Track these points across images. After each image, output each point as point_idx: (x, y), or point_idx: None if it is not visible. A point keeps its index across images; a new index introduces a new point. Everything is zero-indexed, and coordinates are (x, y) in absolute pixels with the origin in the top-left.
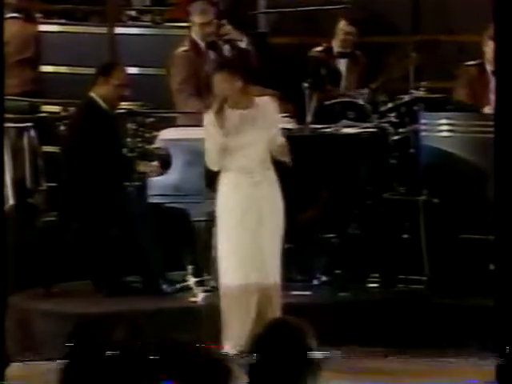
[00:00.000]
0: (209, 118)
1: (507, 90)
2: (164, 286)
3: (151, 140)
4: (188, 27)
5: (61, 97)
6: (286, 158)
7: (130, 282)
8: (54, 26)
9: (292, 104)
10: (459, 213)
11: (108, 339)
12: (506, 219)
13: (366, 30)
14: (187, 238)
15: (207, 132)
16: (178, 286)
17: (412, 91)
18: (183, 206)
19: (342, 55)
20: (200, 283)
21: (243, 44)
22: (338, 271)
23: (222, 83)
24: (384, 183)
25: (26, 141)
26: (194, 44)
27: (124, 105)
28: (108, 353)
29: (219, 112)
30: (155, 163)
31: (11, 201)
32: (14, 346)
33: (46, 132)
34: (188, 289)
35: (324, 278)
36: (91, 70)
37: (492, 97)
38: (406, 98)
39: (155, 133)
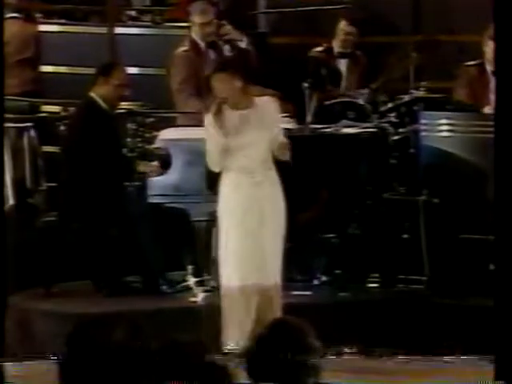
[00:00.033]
0: (209, 119)
1: (507, 90)
2: (164, 286)
3: (151, 140)
4: (188, 27)
5: (61, 97)
6: (287, 158)
7: (129, 282)
8: (53, 25)
9: (292, 104)
10: (459, 213)
11: (108, 339)
12: (506, 219)
13: (366, 30)
14: (187, 238)
15: (208, 133)
16: (178, 286)
17: (412, 91)
18: (183, 206)
19: (342, 55)
20: (200, 283)
21: (243, 44)
22: (337, 271)
23: (221, 84)
24: (384, 183)
25: (26, 141)
26: (193, 44)
27: (124, 105)
28: (108, 353)
29: (218, 113)
30: (155, 163)
31: (11, 201)
32: (14, 346)
33: (46, 132)
34: (188, 289)
35: (324, 278)
36: (91, 70)
37: (492, 97)
38: (406, 98)
39: (155, 133)
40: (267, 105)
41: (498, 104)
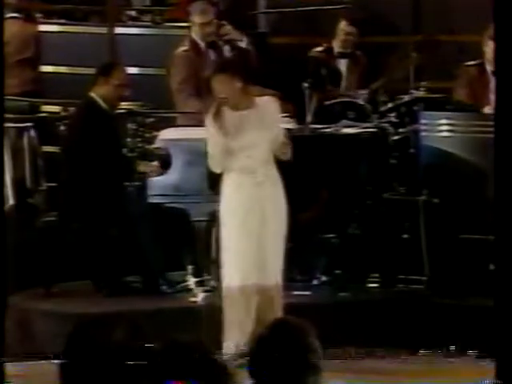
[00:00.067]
0: (210, 120)
1: (507, 90)
2: (164, 286)
3: (151, 140)
4: (188, 27)
5: (61, 97)
6: (288, 158)
7: (129, 282)
8: (53, 25)
9: (292, 104)
10: (459, 213)
11: (108, 339)
12: (506, 219)
13: (366, 30)
14: (187, 238)
15: (209, 134)
16: (178, 286)
17: (412, 91)
18: (183, 206)
19: (342, 55)
20: (200, 283)
21: (243, 44)
22: (337, 271)
23: (221, 85)
24: (384, 183)
25: (26, 141)
26: (194, 44)
27: (124, 105)
28: (108, 353)
29: (217, 115)
30: (155, 163)
31: (11, 201)
32: (14, 346)
33: (46, 132)
34: (188, 289)
35: (324, 278)
36: (91, 70)
37: (492, 97)
38: (406, 98)
39: (155, 133)
40: (268, 105)
41: (498, 104)
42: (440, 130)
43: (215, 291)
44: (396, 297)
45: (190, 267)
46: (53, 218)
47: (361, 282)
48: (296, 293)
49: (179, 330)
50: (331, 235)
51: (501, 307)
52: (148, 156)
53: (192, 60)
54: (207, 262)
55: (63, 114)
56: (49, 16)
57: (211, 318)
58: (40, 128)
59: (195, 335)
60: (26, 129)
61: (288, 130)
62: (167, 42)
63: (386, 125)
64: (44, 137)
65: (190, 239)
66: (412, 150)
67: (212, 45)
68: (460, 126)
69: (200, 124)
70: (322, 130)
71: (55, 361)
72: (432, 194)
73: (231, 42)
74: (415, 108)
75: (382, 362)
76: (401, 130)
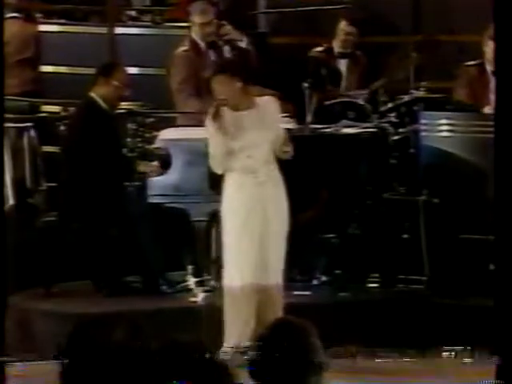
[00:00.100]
0: (210, 121)
1: (507, 90)
2: (164, 286)
3: (151, 140)
4: (188, 27)
5: (61, 97)
6: (289, 157)
7: (129, 282)
8: (53, 25)
9: (292, 104)
10: (459, 213)
11: (108, 339)
12: (506, 219)
13: (366, 30)
14: (187, 238)
15: (210, 135)
16: (178, 286)
17: (412, 91)
18: (183, 206)
19: (342, 55)
20: (200, 283)
21: (243, 44)
22: (338, 271)
23: (221, 86)
24: (384, 183)
25: (26, 141)
26: (194, 44)
27: (124, 105)
28: (108, 353)
29: (216, 116)
30: (155, 163)
31: (11, 201)
32: (14, 346)
33: (46, 132)
34: (188, 289)
35: (324, 278)
36: (91, 70)
37: (492, 97)
38: (406, 98)
39: (155, 133)
40: (268, 105)
41: (498, 104)
42: (440, 130)
43: (215, 291)
44: (396, 297)
45: (189, 267)
46: (53, 218)
47: (361, 282)
48: (296, 293)
49: (179, 329)
50: (331, 235)
51: (501, 307)
52: (148, 156)
53: (192, 60)
54: (207, 262)
55: (63, 113)
56: (49, 16)
57: (211, 317)
58: (40, 128)
59: (195, 335)
60: (26, 129)
61: (288, 129)
62: (167, 42)
63: (386, 125)
64: (44, 137)
65: (190, 239)
66: (412, 150)
67: (212, 45)
68: (460, 125)
69: (200, 124)
70: (322, 130)
71: (55, 361)
72: (432, 194)
73: (231, 42)
74: (415, 108)
75: (381, 362)
76: (401, 130)
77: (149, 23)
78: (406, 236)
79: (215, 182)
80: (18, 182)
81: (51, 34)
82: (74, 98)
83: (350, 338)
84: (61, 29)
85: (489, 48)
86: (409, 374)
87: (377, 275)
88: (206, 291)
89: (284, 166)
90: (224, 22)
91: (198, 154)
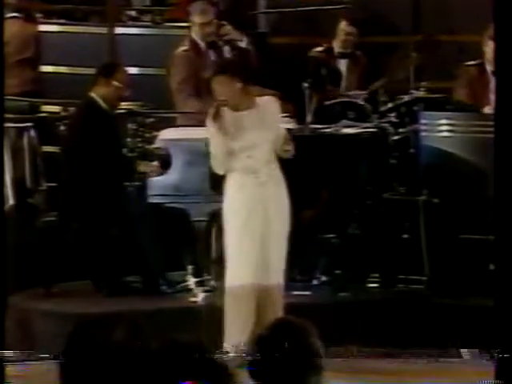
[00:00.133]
0: (210, 122)
1: (507, 90)
2: (164, 286)
3: (151, 140)
4: (188, 27)
5: (61, 97)
6: (290, 156)
7: (129, 282)
8: (53, 25)
9: (292, 104)
10: (459, 213)
11: (108, 339)
12: (506, 219)
13: (366, 30)
14: (187, 238)
15: (210, 136)
16: (178, 286)
17: (412, 91)
18: (183, 206)
19: (342, 55)
20: (200, 283)
21: (243, 44)
22: (338, 271)
23: (221, 86)
24: (384, 183)
25: (25, 141)
26: (194, 44)
27: (124, 105)
28: (108, 353)
29: (217, 116)
30: (155, 163)
31: (11, 201)
32: (14, 346)
33: (46, 132)
34: (188, 289)
35: (324, 278)
36: (91, 70)
37: (492, 97)
38: (406, 98)
39: (155, 133)
40: (268, 104)
41: (498, 104)
42: (440, 130)
43: (215, 291)
44: (396, 297)
45: (189, 267)
46: (53, 218)
47: (361, 282)
48: (296, 293)
49: (179, 329)
50: (331, 235)
51: (501, 307)
52: (148, 156)
53: (192, 60)
54: (207, 262)
55: (63, 113)
56: (49, 16)
57: (211, 317)
58: (40, 128)
59: (195, 335)
60: (26, 129)
61: (288, 129)
62: (167, 42)
63: (386, 125)
64: (44, 137)
65: (190, 239)
66: (412, 150)
67: (212, 45)
68: (460, 125)
69: (200, 124)
70: (322, 130)
71: (55, 361)
72: (432, 194)
73: (231, 42)
74: (415, 108)
75: (382, 361)
76: (401, 130)
77: (149, 23)
78: (405, 236)
79: (216, 182)
80: (18, 182)
81: (51, 34)
82: (74, 98)
83: (350, 338)
84: (61, 29)
85: (489, 48)
86: (409, 374)
87: (377, 275)
88: (205, 291)
89: (284, 166)
90: (224, 22)
91: (198, 154)
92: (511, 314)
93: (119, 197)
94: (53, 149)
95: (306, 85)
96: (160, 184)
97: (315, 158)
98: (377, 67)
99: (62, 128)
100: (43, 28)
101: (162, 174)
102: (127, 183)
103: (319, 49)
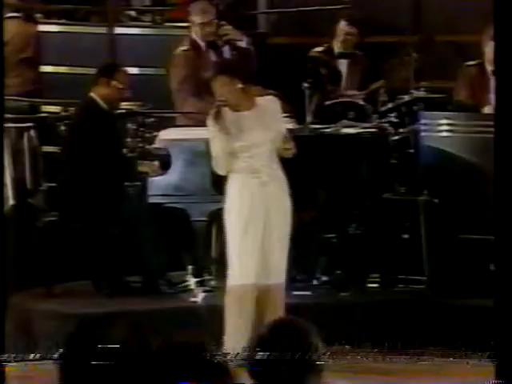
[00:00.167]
0: (211, 122)
1: (507, 90)
2: (164, 286)
3: (151, 140)
4: (188, 27)
5: (61, 97)
6: (292, 156)
7: (130, 282)
8: (53, 25)
9: (292, 104)
10: (459, 213)
11: (108, 339)
12: (506, 219)
13: (366, 30)
14: (187, 238)
15: (212, 137)
16: (178, 286)
17: (412, 91)
18: (183, 206)
19: (342, 56)
20: (200, 283)
21: (243, 44)
22: (338, 271)
23: (222, 87)
24: (384, 183)
25: (26, 141)
26: (194, 44)
27: (124, 105)
28: (108, 353)
29: (218, 117)
30: (155, 163)
31: (11, 201)
32: (14, 346)
33: (46, 132)
34: (188, 289)
35: (324, 278)
36: (91, 70)
37: (492, 97)
38: (406, 98)
39: (155, 133)
40: (269, 104)
41: (498, 104)
42: (440, 130)
43: (215, 291)
44: (396, 297)
45: (189, 267)
46: (53, 218)
47: (361, 282)
48: (296, 293)
49: (179, 329)
50: (331, 235)
51: (501, 307)
52: (148, 156)
53: (192, 60)
54: (207, 262)
55: (63, 114)
56: (49, 16)
57: (211, 317)
58: (40, 128)
59: (195, 335)
60: (26, 129)
61: (288, 129)
62: (167, 42)
63: (386, 125)
64: (44, 137)
65: (190, 239)
66: (412, 150)
67: (212, 45)
68: (460, 125)
69: (200, 124)
70: (322, 130)
71: (55, 361)
72: (432, 194)
73: (231, 42)
74: (415, 108)
75: (382, 362)
76: (401, 130)
77: (149, 23)
78: (406, 236)
79: (217, 182)
80: (18, 182)
81: (51, 34)
82: (74, 98)
83: (350, 338)
84: (61, 29)
85: (489, 48)
86: (409, 374)
87: (377, 275)
88: (205, 291)
89: (284, 166)
90: (224, 22)
91: (198, 154)
92: (511, 314)
93: (119, 197)
94: (53, 149)
95: (305, 85)
96: (160, 184)
97: (315, 158)
98: (377, 67)
99: (62, 128)
100: (43, 28)
101: (162, 174)
102: (127, 183)
103: (319, 49)
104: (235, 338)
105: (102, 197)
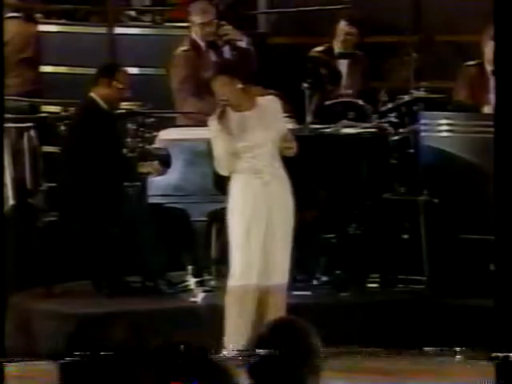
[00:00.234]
0: (214, 123)
1: (507, 90)
2: (164, 286)
3: (151, 140)
4: (188, 27)
5: (61, 97)
6: (293, 155)
7: (130, 282)
8: (53, 25)
9: (292, 104)
10: (459, 213)
11: (108, 339)
12: (506, 219)
13: (366, 30)
14: (187, 238)
15: (214, 138)
16: (178, 286)
17: (412, 91)
18: (183, 206)
19: (342, 56)
20: (200, 283)
21: (243, 44)
22: (338, 271)
23: (222, 87)
24: (384, 183)
25: (25, 141)
26: (194, 44)
27: (124, 105)
28: (108, 353)
29: (222, 117)
30: (155, 163)
31: (11, 201)
32: (14, 346)
33: (46, 132)
34: (188, 289)
35: (324, 278)
36: (91, 70)
37: (492, 97)
38: (406, 97)
39: (155, 133)
40: (270, 104)
41: (498, 104)
42: (440, 130)
43: (215, 291)
44: (396, 297)
45: (189, 267)
46: (53, 218)
47: (361, 282)
48: (296, 293)
49: (179, 329)
50: (331, 235)
51: (501, 307)
52: (148, 156)
53: (192, 60)
54: (207, 262)
55: (63, 114)
56: (49, 16)
57: (211, 317)
58: (40, 128)
59: (195, 335)
60: (26, 129)
61: (288, 130)
62: (167, 42)
63: (386, 125)
64: (44, 137)
65: (190, 239)
66: (412, 150)
67: (212, 45)
68: (460, 125)
69: (200, 124)
70: (322, 130)
71: (55, 361)
72: (432, 194)
73: (231, 42)
74: (415, 108)
75: (382, 362)
76: (401, 130)
77: (149, 23)
78: (405, 236)
79: (219, 183)
80: (18, 182)
81: (51, 34)
82: (74, 98)
83: (350, 338)
84: (61, 29)
85: (488, 48)
86: (409, 374)
87: (377, 275)
88: (205, 291)
89: (284, 166)
90: (224, 22)
91: (198, 154)
92: (511, 314)
93: (119, 197)
94: (53, 149)
95: (305, 85)
96: (160, 184)
97: (315, 158)
98: (377, 67)
99: (62, 128)
100: (43, 28)
101: (162, 174)
102: (127, 183)
103: (319, 49)
104: (235, 338)
105: (102, 197)
